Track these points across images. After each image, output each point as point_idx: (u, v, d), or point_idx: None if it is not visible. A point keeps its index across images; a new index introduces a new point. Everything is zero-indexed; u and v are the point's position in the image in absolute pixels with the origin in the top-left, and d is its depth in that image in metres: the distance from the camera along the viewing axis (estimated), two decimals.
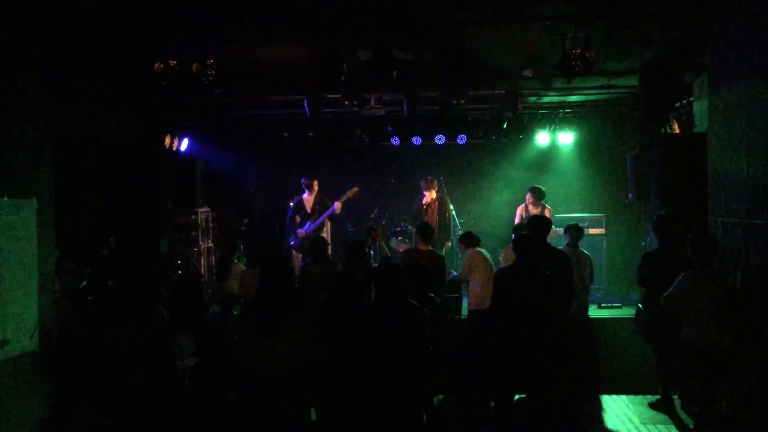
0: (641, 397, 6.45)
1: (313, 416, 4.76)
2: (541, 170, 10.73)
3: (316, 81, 6.31)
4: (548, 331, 4.98)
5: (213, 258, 10.20)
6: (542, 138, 10.29)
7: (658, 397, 6.14)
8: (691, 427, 5.42)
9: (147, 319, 4.76)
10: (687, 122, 7.69)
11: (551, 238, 6.18)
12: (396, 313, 4.25)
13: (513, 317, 5.01)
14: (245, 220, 10.61)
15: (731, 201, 5.17)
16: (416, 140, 10.22)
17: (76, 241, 6.64)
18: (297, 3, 5.44)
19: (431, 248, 6.65)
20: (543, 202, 9.02)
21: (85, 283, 5.72)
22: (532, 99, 9.43)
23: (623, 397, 6.55)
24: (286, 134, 10.31)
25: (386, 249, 7.71)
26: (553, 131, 10.25)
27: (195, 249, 9.72)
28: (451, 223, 9.25)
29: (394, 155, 10.93)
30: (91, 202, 7.40)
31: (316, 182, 9.15)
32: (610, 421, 5.99)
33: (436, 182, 9.15)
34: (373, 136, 10.23)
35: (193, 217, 9.85)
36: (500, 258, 7.38)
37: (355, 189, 9.13)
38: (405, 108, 8.68)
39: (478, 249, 7.10)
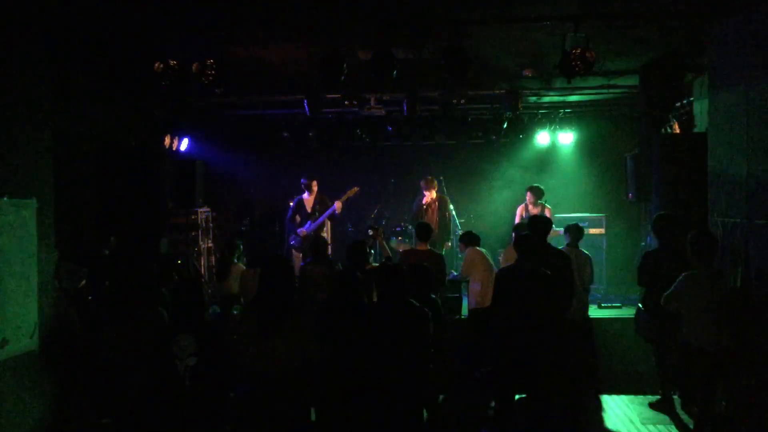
0: (641, 397, 6.45)
1: (313, 416, 4.76)
2: (541, 170, 10.72)
3: (316, 81, 6.30)
4: (548, 331, 4.98)
5: (213, 258, 10.20)
6: (542, 138, 10.29)
7: (658, 397, 6.15)
8: (691, 427, 5.42)
9: (147, 319, 4.76)
10: (687, 122, 7.69)
11: (551, 238, 6.18)
12: (397, 313, 4.25)
13: (513, 317, 5.01)
14: (245, 220, 10.60)
15: (731, 201, 5.17)
16: (416, 140, 10.22)
17: (76, 241, 6.64)
18: (297, 3, 5.44)
19: (429, 248, 6.64)
20: (543, 202, 9.02)
21: (84, 282, 5.72)
22: (532, 99, 9.43)
23: (623, 397, 6.54)
24: (286, 134, 10.30)
25: (387, 249, 7.70)
26: (553, 131, 10.24)
27: (195, 249, 9.73)
28: (451, 223, 9.25)
29: (394, 155, 10.92)
30: (91, 202, 7.40)
31: (315, 182, 9.16)
32: (610, 421, 5.99)
33: (436, 182, 9.15)
34: (373, 136, 10.23)
35: (193, 217, 9.85)
36: (500, 258, 7.38)
37: (356, 189, 9.14)
38: (405, 108, 8.67)
39: (478, 248, 7.10)
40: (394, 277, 4.35)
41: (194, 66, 6.21)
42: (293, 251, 9.18)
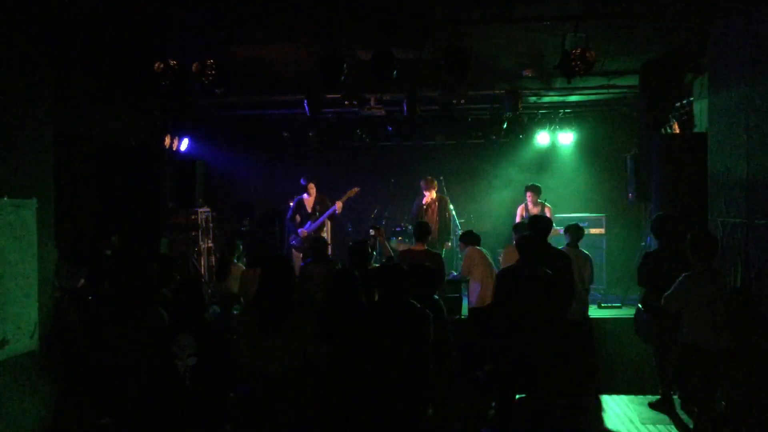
0: (641, 397, 6.45)
1: (313, 416, 4.75)
2: (541, 170, 10.72)
3: (316, 81, 6.30)
4: (549, 332, 4.98)
5: (213, 258, 10.20)
6: (542, 138, 10.29)
7: (658, 397, 6.14)
8: (691, 427, 5.42)
9: (147, 319, 4.76)
10: (687, 122, 7.69)
11: (551, 238, 6.18)
12: (396, 313, 4.24)
13: (513, 317, 5.01)
14: (245, 220, 10.60)
15: (731, 201, 5.17)
16: (416, 140, 10.22)
17: (76, 241, 6.64)
18: (297, 3, 5.44)
19: (427, 248, 6.63)
20: (543, 201, 9.02)
21: (82, 282, 5.72)
22: (532, 99, 9.43)
23: (623, 397, 6.55)
24: (286, 134, 10.31)
25: (389, 248, 7.69)
26: (553, 131, 10.25)
27: (195, 249, 9.72)
28: (451, 223, 9.24)
29: (394, 155, 10.93)
30: (91, 202, 7.40)
31: (313, 183, 9.16)
32: (610, 421, 5.99)
33: (436, 182, 9.15)
34: (373, 136, 10.23)
35: (193, 217, 9.85)
36: (500, 258, 7.37)
37: (356, 189, 9.15)
38: (405, 108, 8.68)
39: (478, 248, 7.10)
40: (394, 277, 4.35)
41: (194, 66, 6.21)
42: (293, 251, 9.18)
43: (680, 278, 4.93)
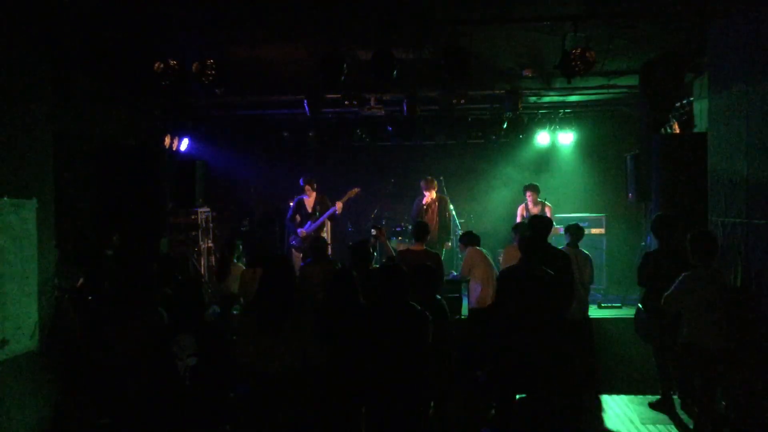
0: (641, 397, 6.46)
1: (313, 416, 4.75)
2: (541, 170, 10.73)
3: (316, 81, 6.30)
4: (549, 332, 4.98)
5: (213, 258, 10.20)
6: (542, 138, 10.29)
7: (658, 397, 6.15)
8: (691, 427, 5.42)
9: (147, 320, 4.76)
10: (687, 122, 7.69)
11: (551, 237, 6.19)
12: (396, 314, 4.24)
13: (513, 317, 5.01)
14: (245, 220, 10.60)
15: (731, 201, 5.17)
16: (416, 140, 10.22)
17: (76, 241, 6.64)
18: (297, 3, 5.44)
19: (425, 248, 6.63)
20: (543, 200, 9.03)
21: (82, 282, 5.72)
22: (532, 99, 9.43)
23: (623, 397, 6.55)
24: (286, 134, 10.31)
25: (390, 248, 7.69)
26: (553, 131, 10.25)
27: (195, 249, 9.72)
28: (451, 223, 9.25)
29: (394, 155, 10.93)
30: (91, 202, 7.40)
31: (311, 184, 9.16)
32: (610, 421, 5.99)
33: (436, 182, 9.16)
34: (373, 136, 10.23)
35: (193, 217, 9.84)
36: (500, 258, 7.37)
37: (356, 189, 9.15)
38: (405, 108, 8.68)
39: (478, 248, 7.10)
40: (393, 277, 4.34)
41: (194, 66, 6.21)
42: (293, 251, 9.18)
43: (680, 278, 4.93)
